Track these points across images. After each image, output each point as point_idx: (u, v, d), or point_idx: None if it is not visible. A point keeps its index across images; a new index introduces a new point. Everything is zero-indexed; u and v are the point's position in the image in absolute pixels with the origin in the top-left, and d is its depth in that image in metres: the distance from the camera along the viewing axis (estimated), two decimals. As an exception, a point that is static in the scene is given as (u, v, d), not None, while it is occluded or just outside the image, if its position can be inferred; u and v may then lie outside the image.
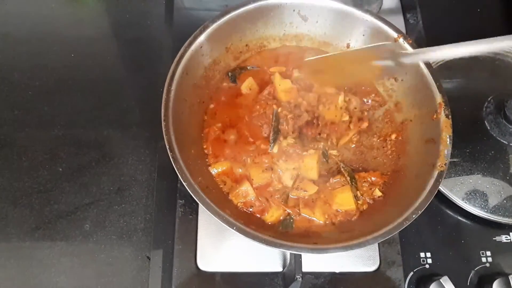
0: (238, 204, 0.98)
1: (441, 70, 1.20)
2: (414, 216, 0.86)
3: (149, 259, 1.04)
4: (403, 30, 1.31)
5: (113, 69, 1.28)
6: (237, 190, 0.99)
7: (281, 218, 0.98)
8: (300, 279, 0.91)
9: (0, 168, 1.13)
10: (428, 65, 1.00)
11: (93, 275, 1.04)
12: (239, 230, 0.83)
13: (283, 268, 1.02)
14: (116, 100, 1.23)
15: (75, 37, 1.31)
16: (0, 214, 1.08)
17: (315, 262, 1.03)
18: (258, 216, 0.97)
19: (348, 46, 1.13)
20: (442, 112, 0.96)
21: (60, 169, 1.13)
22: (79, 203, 1.10)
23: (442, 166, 0.90)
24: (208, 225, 1.05)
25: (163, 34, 1.32)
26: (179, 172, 0.86)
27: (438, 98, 0.98)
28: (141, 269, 1.04)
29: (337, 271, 1.03)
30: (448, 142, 0.93)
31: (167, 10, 1.34)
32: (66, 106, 1.21)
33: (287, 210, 0.99)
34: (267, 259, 1.03)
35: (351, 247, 0.83)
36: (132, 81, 1.27)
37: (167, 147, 0.87)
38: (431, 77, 0.99)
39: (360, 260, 1.04)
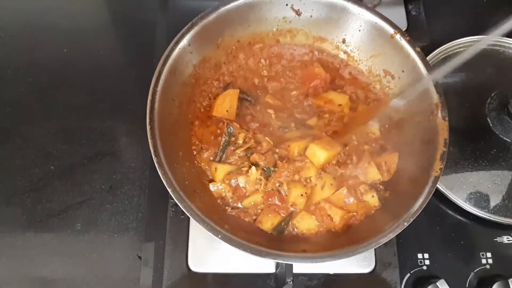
0: (227, 209, 0.96)
1: (444, 63, 1.16)
2: (406, 224, 0.84)
3: (141, 259, 1.04)
4: (405, 22, 1.28)
5: (106, 64, 1.26)
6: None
7: (276, 223, 0.96)
8: (291, 282, 0.91)
9: (-7, 166, 1.12)
10: (425, 63, 0.97)
11: (85, 274, 1.03)
12: (224, 239, 0.81)
13: (276, 269, 1.01)
14: (109, 96, 1.21)
15: (68, 32, 1.28)
16: (-8, 212, 1.08)
17: (308, 264, 1.01)
18: (248, 221, 0.95)
19: (344, 41, 1.09)
20: (439, 113, 0.93)
21: (52, 167, 1.12)
22: (71, 201, 1.09)
23: (437, 171, 0.87)
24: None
25: (157, 28, 1.29)
26: (163, 178, 0.84)
27: (435, 98, 0.94)
28: (132, 269, 1.04)
29: (331, 272, 1.02)
30: (444, 146, 0.90)
31: (162, 3, 1.31)
32: (59, 102, 1.19)
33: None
34: (259, 260, 1.00)
35: (338, 256, 0.82)
36: (126, 76, 1.25)
37: (152, 151, 0.85)
38: (429, 76, 0.95)
39: (355, 261, 1.03)
